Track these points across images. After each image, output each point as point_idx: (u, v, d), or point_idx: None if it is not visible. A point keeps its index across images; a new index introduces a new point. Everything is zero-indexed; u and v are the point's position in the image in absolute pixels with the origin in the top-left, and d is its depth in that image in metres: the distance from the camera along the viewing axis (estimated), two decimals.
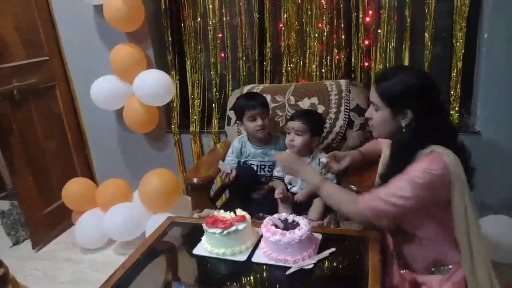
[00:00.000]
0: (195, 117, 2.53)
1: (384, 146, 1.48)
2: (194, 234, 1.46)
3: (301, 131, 1.65)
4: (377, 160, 1.50)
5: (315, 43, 2.23)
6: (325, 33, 2.21)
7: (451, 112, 2.10)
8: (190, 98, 2.53)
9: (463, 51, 2.02)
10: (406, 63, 2.12)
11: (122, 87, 2.39)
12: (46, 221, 2.60)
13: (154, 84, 2.27)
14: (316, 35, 2.21)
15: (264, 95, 1.94)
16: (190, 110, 2.55)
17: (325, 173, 1.55)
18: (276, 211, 1.60)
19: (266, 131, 1.82)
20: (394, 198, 1.14)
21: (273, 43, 2.32)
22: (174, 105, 2.55)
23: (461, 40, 2.01)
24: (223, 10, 2.33)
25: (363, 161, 1.63)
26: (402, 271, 1.32)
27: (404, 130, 1.23)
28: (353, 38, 2.18)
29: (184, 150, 2.65)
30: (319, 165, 1.66)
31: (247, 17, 2.33)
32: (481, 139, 2.10)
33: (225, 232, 1.28)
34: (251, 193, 1.80)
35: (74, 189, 2.50)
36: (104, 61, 2.39)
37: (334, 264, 1.26)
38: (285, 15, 2.24)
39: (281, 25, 2.28)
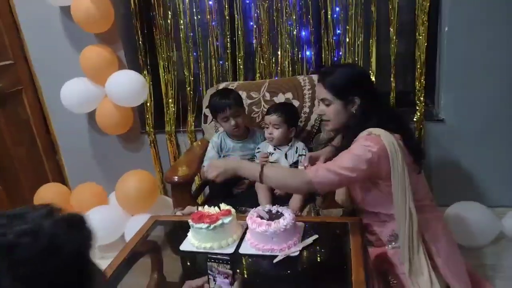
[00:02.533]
0: (169, 117, 2.53)
1: None
2: (178, 232, 1.48)
3: (278, 124, 1.74)
4: None
5: (286, 40, 2.28)
6: (295, 30, 2.27)
7: (417, 102, 2.22)
8: (164, 97, 2.52)
9: (425, 44, 2.14)
10: (374, 57, 2.22)
11: (94, 89, 2.34)
12: None
13: (128, 85, 2.24)
14: (287, 32, 2.27)
15: (239, 92, 1.97)
16: (165, 110, 2.54)
17: (304, 164, 1.60)
18: (257, 205, 1.63)
19: (242, 127, 1.86)
20: (338, 168, 1.28)
21: (244, 41, 2.36)
22: (148, 105, 2.53)
23: (423, 34, 2.12)
24: (194, 9, 2.35)
25: (336, 155, 1.70)
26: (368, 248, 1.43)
27: (353, 117, 1.39)
28: (322, 34, 2.25)
29: (160, 150, 2.64)
30: (296, 152, 1.78)
31: (218, 15, 2.35)
32: (445, 126, 2.22)
33: (212, 226, 1.30)
34: (232, 188, 1.84)
35: (47, 195, 2.42)
36: (74, 64, 2.33)
37: (318, 249, 1.32)
38: (255, 14, 2.28)
39: (252, 23, 2.32)
